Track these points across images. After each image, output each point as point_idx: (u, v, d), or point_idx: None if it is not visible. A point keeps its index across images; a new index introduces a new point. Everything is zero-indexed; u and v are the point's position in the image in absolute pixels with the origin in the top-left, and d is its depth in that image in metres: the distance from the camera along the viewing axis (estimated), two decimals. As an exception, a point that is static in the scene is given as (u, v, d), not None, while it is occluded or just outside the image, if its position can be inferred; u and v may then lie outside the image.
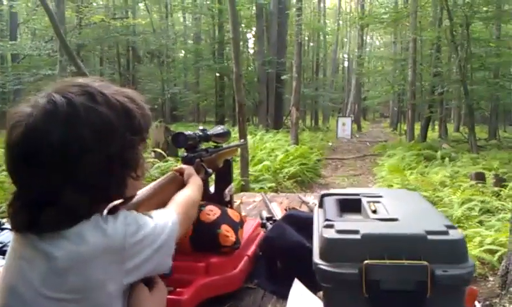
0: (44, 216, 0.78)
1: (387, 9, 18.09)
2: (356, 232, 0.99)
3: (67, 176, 0.79)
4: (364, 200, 1.28)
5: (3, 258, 1.46)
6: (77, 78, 0.88)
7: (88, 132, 0.79)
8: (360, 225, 1.03)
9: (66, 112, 0.79)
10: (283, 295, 1.42)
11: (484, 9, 12.52)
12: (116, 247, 0.82)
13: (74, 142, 0.78)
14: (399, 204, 1.24)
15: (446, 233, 1.00)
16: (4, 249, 1.58)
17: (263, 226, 2.00)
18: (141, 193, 1.10)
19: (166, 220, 0.95)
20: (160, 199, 1.13)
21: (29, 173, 0.79)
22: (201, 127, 1.56)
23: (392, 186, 7.36)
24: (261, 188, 7.16)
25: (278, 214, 2.23)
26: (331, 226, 1.04)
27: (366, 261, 0.95)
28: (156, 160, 8.13)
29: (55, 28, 7.55)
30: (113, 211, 0.88)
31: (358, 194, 1.36)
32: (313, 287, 1.36)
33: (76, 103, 0.80)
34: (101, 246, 0.80)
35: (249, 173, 7.36)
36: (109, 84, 0.90)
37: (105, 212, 0.86)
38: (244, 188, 6.50)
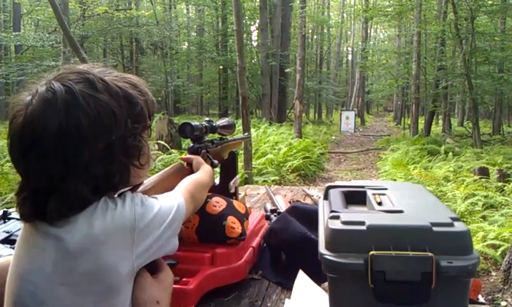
0: (50, 205, 0.78)
1: (391, 2, 17.98)
2: (362, 223, 0.99)
3: (68, 164, 0.78)
4: (369, 192, 1.28)
5: (11, 247, 1.48)
6: (78, 65, 0.87)
7: (87, 120, 0.78)
8: (366, 216, 1.03)
9: (64, 100, 0.78)
10: (288, 286, 1.44)
11: (489, 2, 12.44)
12: (126, 228, 0.82)
13: (73, 131, 0.77)
14: (404, 196, 1.24)
15: (451, 225, 1.00)
16: (11, 238, 1.59)
17: (267, 218, 2.01)
18: (148, 182, 1.10)
19: (172, 202, 0.95)
20: (166, 188, 1.14)
21: (31, 162, 0.79)
22: (207, 119, 1.56)
23: (395, 180, 7.36)
24: (264, 181, 7.17)
25: (282, 207, 2.23)
26: (336, 217, 1.05)
27: (372, 252, 0.95)
28: (159, 152, 8.14)
29: (58, 19, 7.54)
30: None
31: (363, 187, 1.36)
32: (317, 278, 1.37)
33: (75, 91, 0.79)
34: (111, 228, 0.80)
35: (253, 166, 7.37)
36: (110, 70, 0.89)
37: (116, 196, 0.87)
38: (247, 181, 6.52)
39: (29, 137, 0.78)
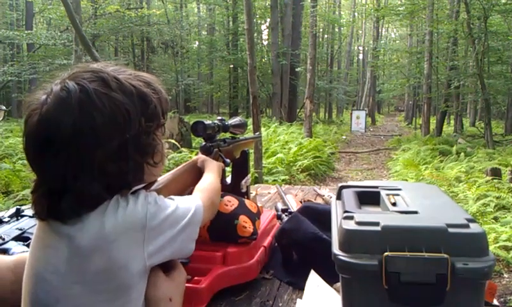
0: (64, 203, 0.79)
1: (403, 1, 17.86)
2: (377, 224, 0.98)
3: (82, 163, 0.78)
4: (383, 193, 1.27)
5: (23, 244, 1.49)
6: (92, 64, 0.87)
7: (101, 118, 0.78)
8: (380, 217, 1.02)
9: (79, 99, 0.78)
10: (299, 286, 1.43)
11: (503, 1, 12.29)
12: (137, 226, 0.82)
13: (87, 129, 0.78)
14: (418, 197, 1.23)
15: (467, 226, 0.99)
16: (24, 235, 1.60)
17: (278, 217, 2.00)
18: (161, 180, 1.10)
19: (189, 205, 0.95)
20: (179, 187, 1.14)
21: (46, 161, 0.79)
22: (219, 117, 1.56)
23: (406, 181, 7.31)
24: (274, 180, 7.17)
25: (294, 206, 2.23)
26: (350, 218, 1.04)
27: (386, 253, 0.94)
28: (170, 151, 8.16)
29: (70, 18, 7.59)
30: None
31: (376, 187, 1.35)
32: (329, 279, 1.36)
33: (89, 90, 0.79)
34: (123, 225, 0.80)
35: (263, 165, 7.36)
36: (124, 68, 0.89)
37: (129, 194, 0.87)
38: (257, 180, 6.51)
39: (44, 135, 0.78)
